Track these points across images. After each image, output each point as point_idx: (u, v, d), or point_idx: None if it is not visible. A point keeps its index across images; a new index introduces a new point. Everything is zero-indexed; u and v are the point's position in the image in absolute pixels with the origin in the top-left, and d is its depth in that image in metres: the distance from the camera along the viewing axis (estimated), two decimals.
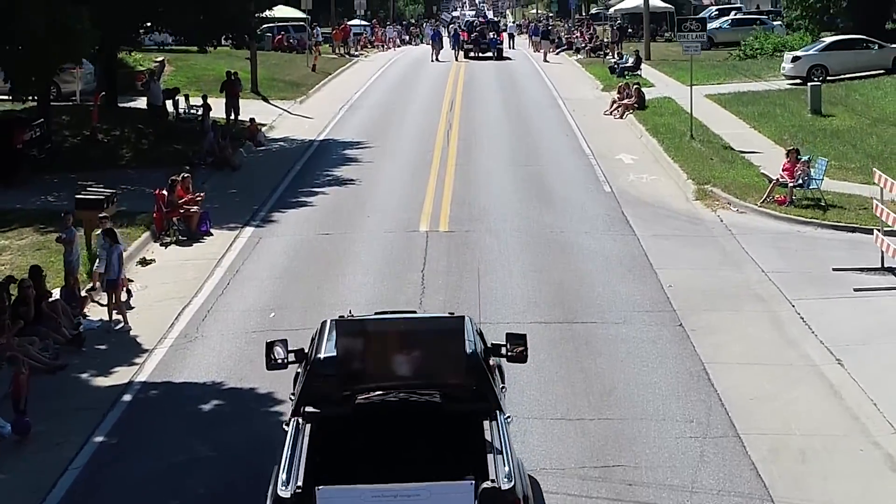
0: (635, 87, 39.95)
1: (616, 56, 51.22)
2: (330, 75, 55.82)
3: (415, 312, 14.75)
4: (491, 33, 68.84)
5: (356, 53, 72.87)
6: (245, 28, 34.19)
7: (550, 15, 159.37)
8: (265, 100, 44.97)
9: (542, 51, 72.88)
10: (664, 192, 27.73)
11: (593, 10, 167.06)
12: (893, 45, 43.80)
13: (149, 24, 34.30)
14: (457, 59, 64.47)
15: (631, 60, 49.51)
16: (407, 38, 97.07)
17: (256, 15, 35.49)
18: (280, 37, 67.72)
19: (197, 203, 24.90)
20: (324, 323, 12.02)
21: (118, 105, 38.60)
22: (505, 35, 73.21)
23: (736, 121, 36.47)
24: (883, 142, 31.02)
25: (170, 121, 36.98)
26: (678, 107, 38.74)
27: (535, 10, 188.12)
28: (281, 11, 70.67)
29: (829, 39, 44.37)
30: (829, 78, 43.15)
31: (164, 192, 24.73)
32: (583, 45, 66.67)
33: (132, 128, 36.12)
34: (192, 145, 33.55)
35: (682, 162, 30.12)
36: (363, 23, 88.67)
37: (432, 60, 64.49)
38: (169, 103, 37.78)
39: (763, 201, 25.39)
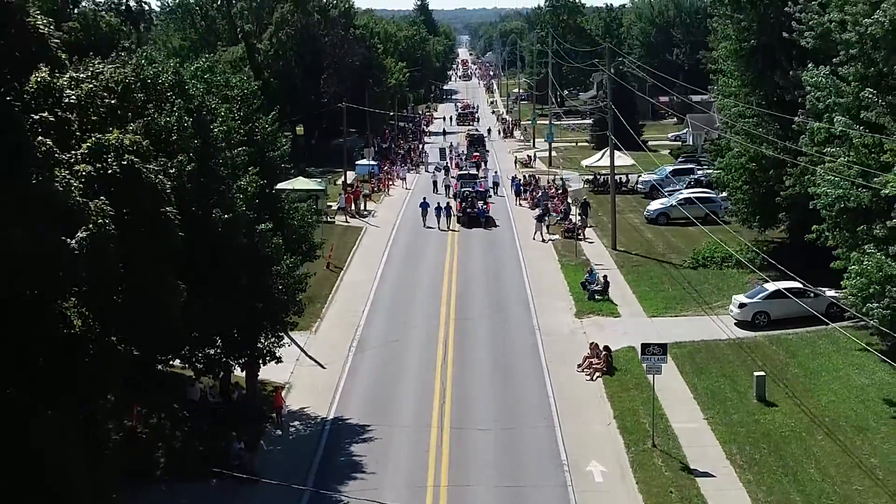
0: (604, 352, 38.75)
1: (587, 272, 49.89)
2: (341, 271, 54.83)
3: None
4: (479, 202, 68.26)
5: (365, 213, 71.98)
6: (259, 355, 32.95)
7: (530, 88, 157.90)
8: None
9: (524, 203, 72.98)
10: None
11: (566, 92, 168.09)
12: (829, 294, 42.42)
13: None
14: (449, 228, 64.62)
15: (600, 283, 48.29)
16: (409, 166, 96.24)
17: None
18: None
19: None
20: None
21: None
22: (491, 203, 71.96)
23: (692, 404, 35.14)
24: (820, 469, 29.81)
25: (207, 406, 35.48)
26: (641, 372, 37.39)
27: (517, 89, 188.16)
28: (303, 184, 69.99)
29: (771, 288, 43.12)
30: (772, 319, 42.36)
31: None
32: (557, 216, 65.57)
33: (168, 411, 34.87)
34: (220, 440, 32.43)
35: (646, 492, 29.01)
36: (371, 162, 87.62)
37: (424, 226, 66.09)
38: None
39: None
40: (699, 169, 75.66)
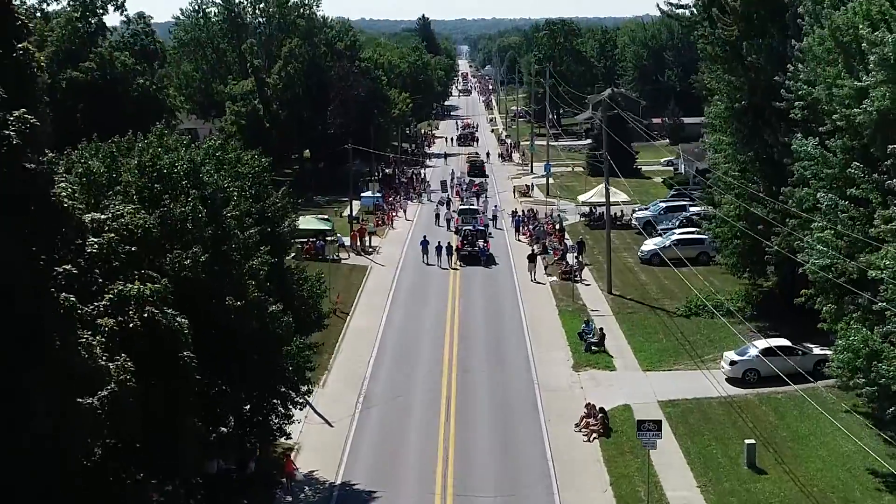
0: (601, 415, 38.81)
1: (583, 323, 50.11)
2: (348, 315, 54.92)
3: None
4: (480, 241, 68.45)
5: (370, 249, 72.10)
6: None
7: (528, 110, 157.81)
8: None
9: (523, 238, 73.10)
10: None
11: (561, 110, 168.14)
12: (816, 351, 42.65)
13: None
14: (451, 267, 65.11)
15: (597, 334, 48.41)
16: (412, 194, 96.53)
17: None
18: (309, 246, 66.79)
19: None
20: None
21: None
22: (490, 240, 71.99)
23: (685, 470, 35.19)
24: None
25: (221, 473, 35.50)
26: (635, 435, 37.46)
27: (515, 107, 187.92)
28: (311, 223, 70.25)
29: (760, 346, 43.21)
30: (762, 376, 42.44)
31: None
32: (556, 257, 65.70)
33: (184, 479, 34.87)
34: None
35: None
36: (376, 194, 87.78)
37: (425, 264, 66.83)
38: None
39: None
40: (692, 205, 75.63)
